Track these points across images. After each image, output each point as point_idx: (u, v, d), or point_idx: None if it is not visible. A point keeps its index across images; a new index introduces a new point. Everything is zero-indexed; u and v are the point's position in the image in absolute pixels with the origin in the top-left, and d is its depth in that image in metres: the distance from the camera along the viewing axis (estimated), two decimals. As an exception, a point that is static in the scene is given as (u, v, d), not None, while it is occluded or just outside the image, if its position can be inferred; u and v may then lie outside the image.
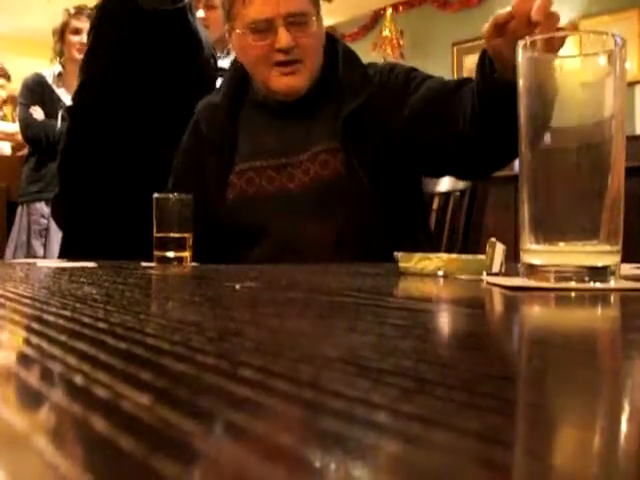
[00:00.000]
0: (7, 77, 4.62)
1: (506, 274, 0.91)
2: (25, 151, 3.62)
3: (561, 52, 0.83)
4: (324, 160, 1.62)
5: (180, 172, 1.81)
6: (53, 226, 3.15)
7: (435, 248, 1.77)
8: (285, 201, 1.62)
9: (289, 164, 1.65)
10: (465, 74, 6.94)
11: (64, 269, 1.22)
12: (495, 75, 1.37)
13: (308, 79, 1.66)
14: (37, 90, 3.45)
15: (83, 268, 1.20)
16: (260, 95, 1.73)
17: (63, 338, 0.42)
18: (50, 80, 3.48)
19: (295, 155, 1.65)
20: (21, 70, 3.69)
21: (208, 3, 2.54)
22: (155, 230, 1.43)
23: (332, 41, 1.76)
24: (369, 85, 1.67)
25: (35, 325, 0.49)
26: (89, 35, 2.03)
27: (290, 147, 1.66)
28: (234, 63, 1.82)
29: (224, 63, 2.32)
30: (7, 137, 4.22)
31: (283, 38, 1.60)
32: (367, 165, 1.60)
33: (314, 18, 1.64)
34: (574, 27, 1.40)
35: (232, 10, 1.66)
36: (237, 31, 1.66)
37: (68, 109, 2.12)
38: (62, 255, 2.20)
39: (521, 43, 0.82)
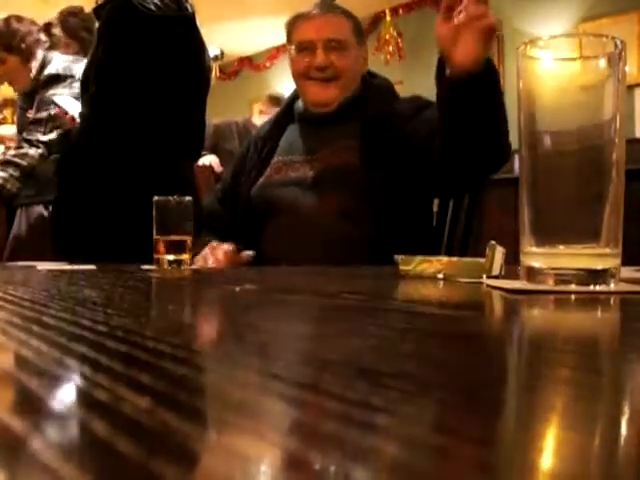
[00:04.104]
0: None
1: (506, 277, 0.91)
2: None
3: (561, 55, 0.83)
4: (341, 153, 1.88)
5: (228, 173, 2.19)
6: (51, 229, 3.15)
7: (436, 248, 1.87)
8: (302, 183, 1.89)
9: (314, 159, 1.92)
10: (465, 77, 6.94)
11: (64, 272, 1.22)
12: (447, 76, 1.59)
13: (338, 94, 1.96)
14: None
15: (83, 271, 1.20)
16: (302, 108, 2.04)
17: (63, 341, 0.42)
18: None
19: (320, 151, 1.92)
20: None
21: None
22: (155, 233, 1.43)
23: (371, 75, 2.10)
24: (395, 102, 1.98)
25: (35, 328, 0.49)
26: (98, 46, 2.03)
27: (318, 146, 1.93)
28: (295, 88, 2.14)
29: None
30: (6, 140, 4.21)
31: (320, 57, 1.94)
32: (378, 161, 1.82)
33: (352, 46, 1.98)
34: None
35: (289, 33, 2.04)
36: (290, 48, 2.03)
37: (81, 115, 2.13)
38: (55, 258, 2.21)
39: (520, 46, 0.82)
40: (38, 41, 3.12)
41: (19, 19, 3.11)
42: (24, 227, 3.36)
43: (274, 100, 4.83)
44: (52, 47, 3.16)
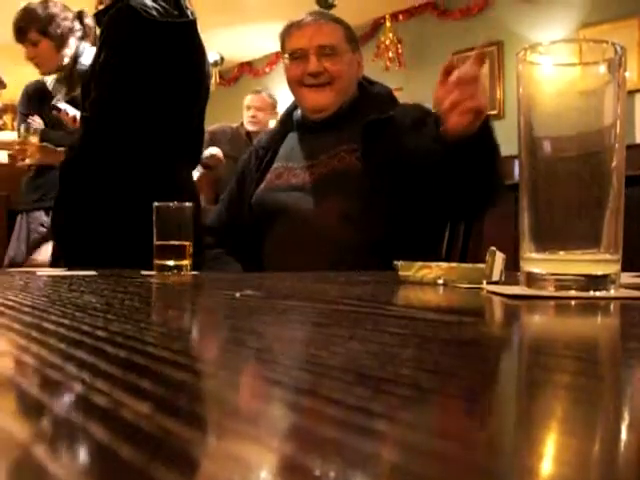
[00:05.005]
0: (2, 85, 4.61)
1: (506, 283, 0.91)
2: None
3: (561, 60, 0.83)
4: (342, 157, 1.90)
5: (232, 182, 2.18)
6: (52, 235, 3.15)
7: (435, 256, 1.86)
8: (303, 189, 1.91)
9: (314, 164, 1.93)
10: (465, 83, 6.93)
11: (64, 277, 1.22)
12: (441, 132, 1.62)
13: (334, 99, 1.98)
14: (36, 99, 3.43)
15: (83, 277, 1.20)
16: (301, 116, 2.07)
17: (63, 346, 0.42)
18: (51, 87, 3.47)
19: (320, 157, 1.93)
20: (22, 79, 3.67)
21: (32, 42, 3.04)
22: (155, 238, 1.43)
23: (369, 82, 2.12)
24: (395, 108, 1.99)
25: (35, 333, 0.49)
26: (100, 50, 2.04)
27: (318, 152, 1.95)
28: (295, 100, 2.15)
29: None
30: (5, 146, 4.21)
31: (312, 64, 1.97)
32: (379, 165, 1.83)
33: (345, 51, 2.00)
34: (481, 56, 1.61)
35: (282, 42, 2.08)
36: (284, 57, 2.07)
37: (82, 120, 2.13)
38: (54, 264, 2.21)
39: (520, 51, 0.82)
40: (72, 29, 3.11)
41: (56, 3, 3.10)
42: (24, 233, 3.36)
43: (255, 92, 4.98)
44: (84, 37, 3.16)
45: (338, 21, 2.06)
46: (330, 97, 1.97)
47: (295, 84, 2.02)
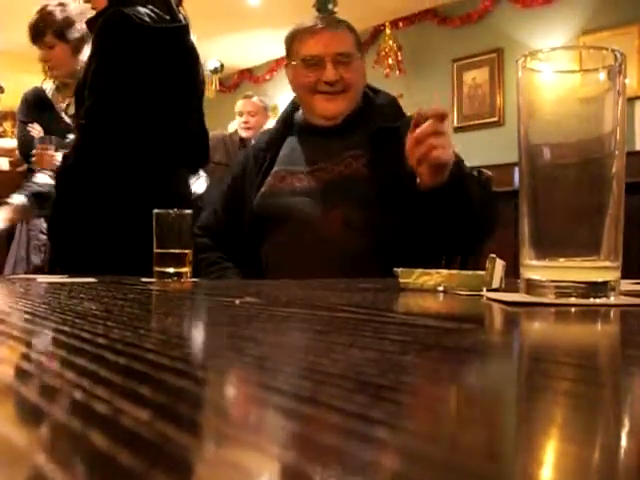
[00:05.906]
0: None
1: (506, 290, 0.91)
2: (25, 167, 3.61)
3: (561, 67, 0.83)
4: (349, 163, 1.89)
5: (228, 182, 2.14)
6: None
7: (436, 263, 1.85)
8: (307, 193, 1.89)
9: (319, 169, 1.92)
10: (465, 90, 6.96)
11: (64, 284, 1.22)
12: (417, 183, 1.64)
13: (347, 106, 1.96)
14: (36, 106, 3.43)
15: (83, 283, 1.20)
16: (304, 119, 2.04)
17: (63, 353, 0.42)
18: (50, 94, 3.47)
19: (325, 162, 1.92)
20: (21, 86, 3.67)
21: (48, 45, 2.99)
22: (155, 246, 1.43)
23: (374, 91, 2.10)
24: (400, 118, 1.98)
25: (35, 340, 0.49)
26: (93, 57, 2.03)
27: (323, 157, 1.93)
28: (293, 99, 2.14)
29: None
30: (5, 153, 4.21)
31: (330, 72, 1.93)
32: (384, 173, 1.83)
33: (356, 58, 1.98)
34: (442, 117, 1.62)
35: (291, 47, 2.03)
36: (293, 63, 2.02)
37: (78, 127, 2.12)
38: (51, 270, 2.20)
39: (520, 58, 0.82)
40: (90, 35, 3.10)
41: (75, 7, 3.06)
42: (24, 240, 3.36)
43: (246, 97, 4.97)
44: None
45: (349, 27, 2.04)
46: (343, 105, 1.96)
47: (307, 91, 1.99)
